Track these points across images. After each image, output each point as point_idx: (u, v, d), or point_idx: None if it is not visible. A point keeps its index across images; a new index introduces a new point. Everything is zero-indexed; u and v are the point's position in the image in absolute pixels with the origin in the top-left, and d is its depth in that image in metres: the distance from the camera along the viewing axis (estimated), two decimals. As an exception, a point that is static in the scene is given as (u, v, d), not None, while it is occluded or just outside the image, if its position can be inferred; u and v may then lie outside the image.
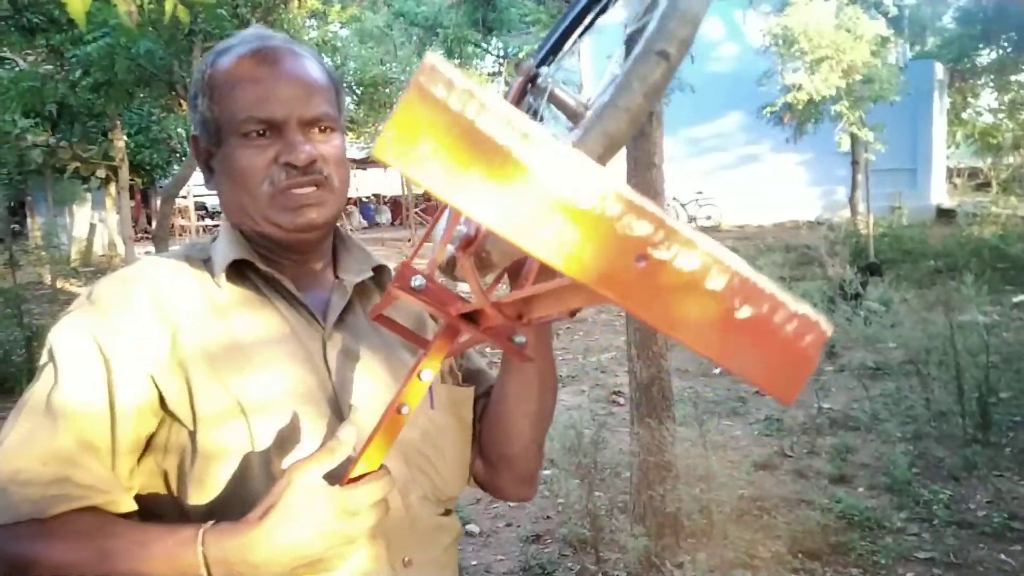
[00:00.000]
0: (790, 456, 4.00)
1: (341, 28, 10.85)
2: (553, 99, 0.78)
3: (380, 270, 0.94)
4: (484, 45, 13.53)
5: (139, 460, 0.79)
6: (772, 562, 2.95)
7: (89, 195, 14.89)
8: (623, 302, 0.41)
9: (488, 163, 0.38)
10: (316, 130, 0.84)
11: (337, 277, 0.91)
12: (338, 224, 0.93)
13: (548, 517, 3.60)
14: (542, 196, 0.39)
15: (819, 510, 3.30)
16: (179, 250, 0.90)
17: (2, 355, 6.06)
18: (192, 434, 0.77)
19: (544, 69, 0.78)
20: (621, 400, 5.16)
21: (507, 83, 14.30)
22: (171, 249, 0.92)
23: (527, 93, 0.77)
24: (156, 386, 0.77)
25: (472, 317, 0.64)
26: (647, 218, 0.40)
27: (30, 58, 7.53)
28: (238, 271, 0.85)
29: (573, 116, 0.79)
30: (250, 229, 0.86)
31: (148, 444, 0.79)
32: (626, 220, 0.40)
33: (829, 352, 6.18)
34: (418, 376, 0.67)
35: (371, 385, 0.85)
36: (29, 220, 13.74)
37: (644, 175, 3.11)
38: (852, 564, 2.93)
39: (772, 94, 10.90)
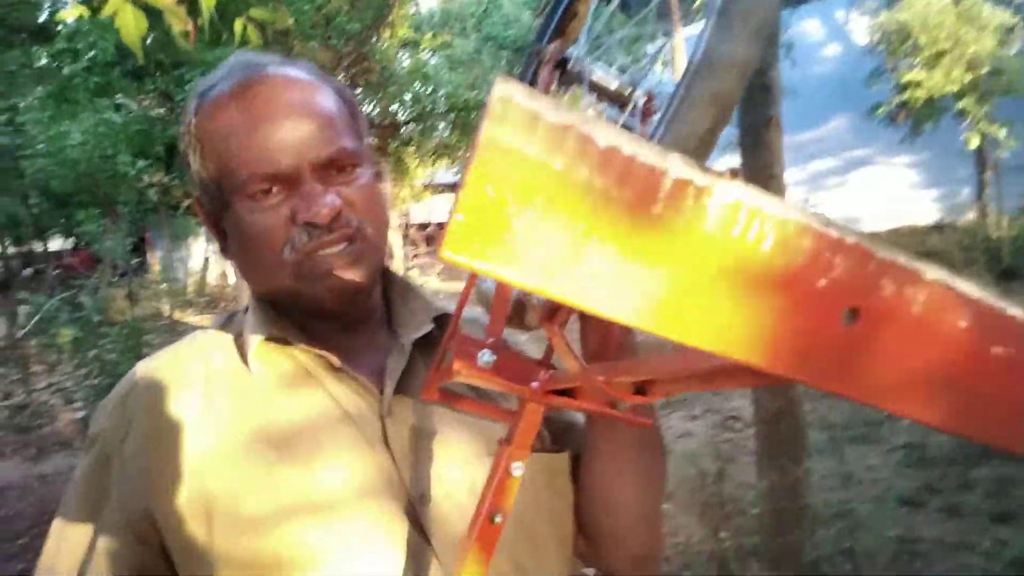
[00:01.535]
0: (939, 491, 3.59)
1: (432, 56, 11.02)
2: (592, 84, 0.64)
3: (443, 319, 0.77)
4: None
5: None
6: (933, 617, 2.60)
7: (202, 230, 15.67)
8: (825, 383, 0.29)
9: (620, 230, 0.26)
10: (334, 171, 0.69)
11: (394, 333, 0.76)
12: (388, 267, 0.78)
13: (667, 559, 3.34)
14: (701, 259, 0.27)
15: (983, 555, 2.91)
16: (213, 325, 0.78)
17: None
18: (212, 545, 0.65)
19: (573, 51, 0.63)
20: (737, 426, 4.84)
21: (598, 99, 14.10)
22: (212, 321, 0.81)
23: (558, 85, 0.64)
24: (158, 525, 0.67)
25: (565, 390, 0.51)
26: (852, 251, 0.28)
27: (145, 103, 7.96)
28: (277, 344, 0.71)
29: (618, 100, 0.65)
30: (280, 300, 0.72)
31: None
32: (821, 262, 0.28)
33: (968, 370, 5.63)
34: (507, 472, 0.53)
35: (450, 466, 0.70)
36: (149, 256, 14.57)
37: (763, 187, 2.82)
38: (1031, 621, 2.54)
39: (883, 94, 10.29)
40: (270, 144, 0.66)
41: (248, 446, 0.67)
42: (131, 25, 1.00)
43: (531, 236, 0.25)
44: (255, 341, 0.70)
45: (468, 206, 0.25)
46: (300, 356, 0.71)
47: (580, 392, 0.51)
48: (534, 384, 0.50)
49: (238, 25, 1.26)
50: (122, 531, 0.67)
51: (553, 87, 0.66)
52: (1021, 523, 3.22)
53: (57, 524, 0.71)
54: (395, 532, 0.66)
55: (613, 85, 0.66)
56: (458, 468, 0.69)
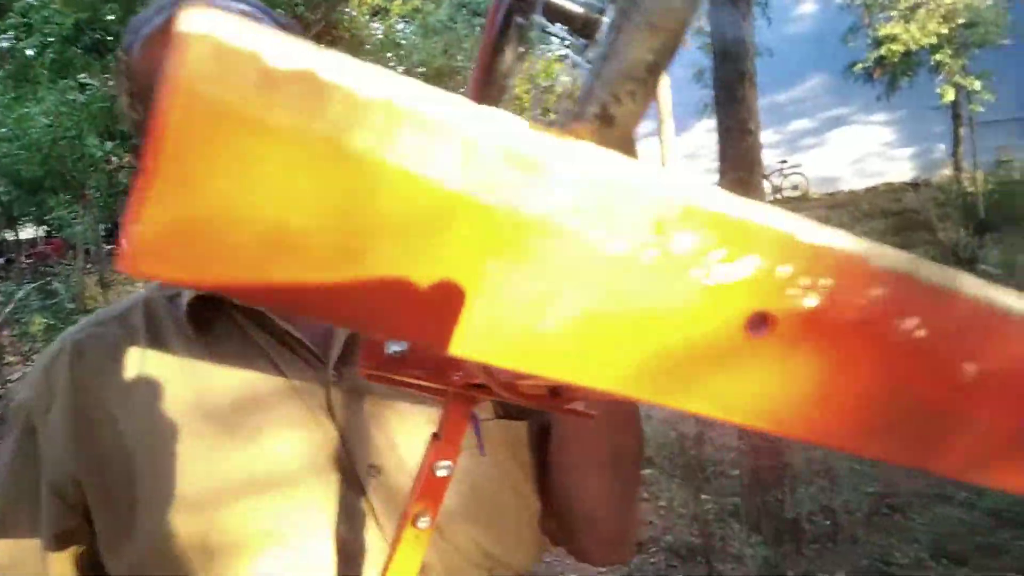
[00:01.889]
0: (918, 444, 3.62)
1: (404, 24, 10.82)
2: (550, 10, 0.54)
3: None
4: (549, 29, 13.22)
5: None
6: (912, 568, 2.62)
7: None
8: (725, 412, 0.22)
9: (390, 216, 0.18)
10: None
11: None
12: None
13: (651, 522, 3.35)
14: (511, 246, 0.19)
15: (960, 506, 2.93)
16: (150, 286, 0.73)
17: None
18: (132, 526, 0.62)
19: None
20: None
21: (575, 66, 13.95)
22: (145, 288, 0.74)
23: (513, 15, 0.55)
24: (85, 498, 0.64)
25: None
26: (759, 236, 0.20)
27: (110, 82, 7.76)
28: (214, 306, 0.66)
29: (584, 28, 0.56)
30: None
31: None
32: (711, 252, 0.20)
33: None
34: (432, 472, 0.47)
35: (404, 435, 0.64)
36: (122, 240, 14.32)
37: (738, 144, 2.80)
38: (1008, 567, 2.57)
39: (859, 51, 10.22)
40: None
41: (181, 420, 0.62)
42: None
43: (252, 232, 0.17)
44: (187, 300, 0.65)
45: (157, 195, 0.16)
46: (239, 317, 0.66)
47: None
48: (456, 376, 0.43)
49: None
50: (50, 498, 0.64)
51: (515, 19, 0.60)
52: (998, 473, 3.26)
53: None
54: (339, 506, 0.61)
55: (577, 10, 0.57)
56: (413, 436, 0.63)
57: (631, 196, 0.19)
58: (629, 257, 0.20)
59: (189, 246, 0.17)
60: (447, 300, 0.19)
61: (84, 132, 6.58)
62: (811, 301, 0.21)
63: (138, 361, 0.65)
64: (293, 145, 0.16)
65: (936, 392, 0.23)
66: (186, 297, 0.66)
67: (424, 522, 0.46)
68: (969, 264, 6.44)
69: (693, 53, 11.62)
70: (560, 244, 0.19)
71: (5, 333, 7.36)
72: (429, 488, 0.47)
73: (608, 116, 0.37)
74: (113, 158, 8.52)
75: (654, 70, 0.37)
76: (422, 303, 0.19)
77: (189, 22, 0.16)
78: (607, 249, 0.19)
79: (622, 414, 0.66)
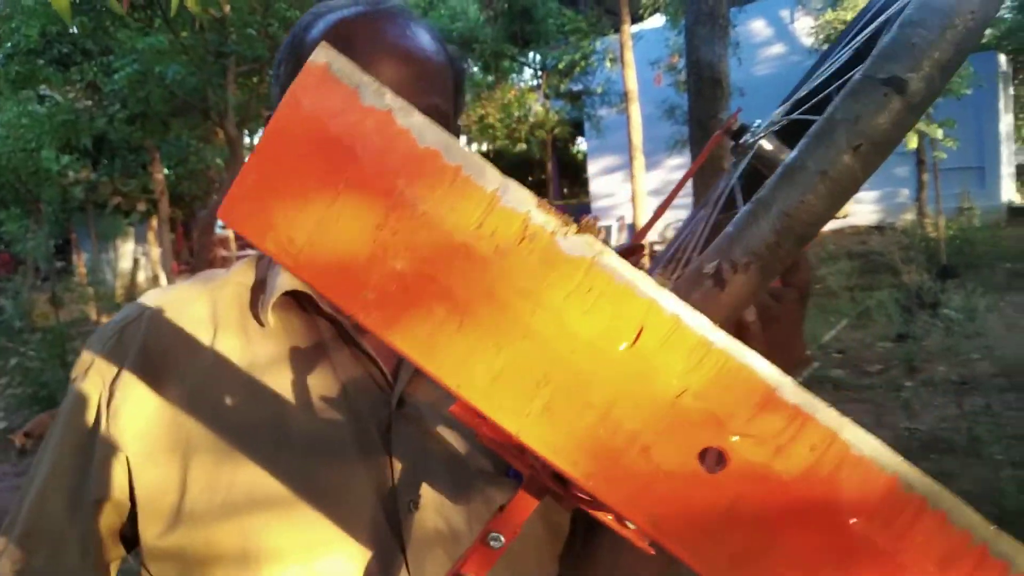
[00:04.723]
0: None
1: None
2: (761, 157, 0.60)
3: None
4: (521, 59, 13.38)
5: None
6: None
7: (132, 229, 15.15)
8: (677, 544, 0.24)
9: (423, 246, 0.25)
10: None
11: None
12: None
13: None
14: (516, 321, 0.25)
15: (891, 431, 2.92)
16: (231, 271, 0.72)
17: (47, 396, 6.00)
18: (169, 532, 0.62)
19: (759, 122, 0.62)
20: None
21: (547, 95, 14.10)
22: (230, 267, 0.73)
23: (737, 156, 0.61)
24: (130, 473, 0.63)
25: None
26: (726, 370, 0.23)
27: (70, 95, 7.59)
28: (299, 304, 0.66)
29: None
30: None
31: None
32: (677, 373, 0.23)
33: (909, 367, 5.73)
34: (484, 543, 0.47)
35: (450, 475, 0.65)
36: (75, 257, 13.98)
37: (713, 182, 2.76)
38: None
39: (825, 95, 10.47)
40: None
41: (234, 420, 0.63)
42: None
43: (318, 220, 0.23)
44: (273, 295, 0.65)
45: (257, 169, 0.24)
46: (319, 320, 0.66)
47: None
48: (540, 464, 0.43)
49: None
50: (100, 464, 0.63)
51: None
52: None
53: (43, 459, 0.67)
54: (370, 533, 0.61)
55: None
56: (458, 479, 0.65)
57: (615, 292, 0.23)
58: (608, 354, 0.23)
59: (261, 213, 0.23)
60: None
61: (44, 145, 6.41)
62: (769, 443, 0.22)
63: (204, 347, 0.65)
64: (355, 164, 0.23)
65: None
66: (275, 288, 0.65)
67: None
68: (932, 308, 6.52)
69: (663, 90, 11.79)
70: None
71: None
72: (477, 554, 0.47)
73: (721, 279, 0.38)
74: (69, 172, 8.32)
75: (774, 251, 0.38)
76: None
77: (320, 55, 0.23)
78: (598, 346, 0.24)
79: None
